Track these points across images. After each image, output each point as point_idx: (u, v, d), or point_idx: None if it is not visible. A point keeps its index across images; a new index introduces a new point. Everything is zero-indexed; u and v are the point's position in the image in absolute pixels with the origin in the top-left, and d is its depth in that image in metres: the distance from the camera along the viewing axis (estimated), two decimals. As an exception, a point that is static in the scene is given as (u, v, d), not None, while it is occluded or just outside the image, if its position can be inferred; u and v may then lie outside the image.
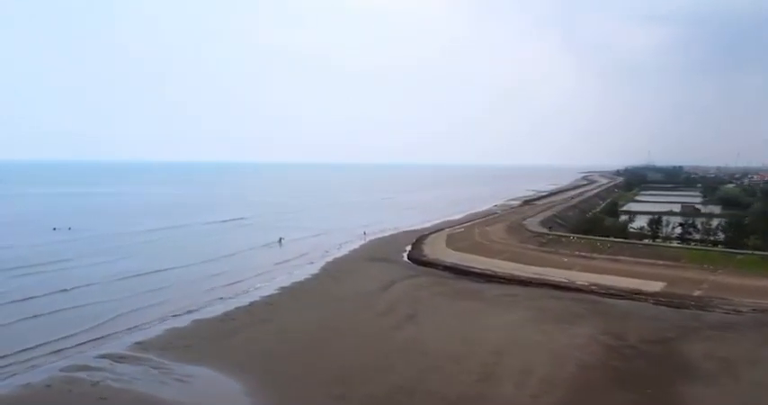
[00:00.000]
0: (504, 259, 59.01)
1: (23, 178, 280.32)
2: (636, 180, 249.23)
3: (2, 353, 31.88)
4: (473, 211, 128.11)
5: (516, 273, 53.70)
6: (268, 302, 45.35)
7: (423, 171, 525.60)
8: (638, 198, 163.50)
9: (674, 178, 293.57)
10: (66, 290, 46.94)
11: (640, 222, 74.52)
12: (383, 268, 60.46)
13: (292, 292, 48.94)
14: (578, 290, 48.09)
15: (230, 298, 46.51)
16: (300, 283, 52.99)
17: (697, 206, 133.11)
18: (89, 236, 78.71)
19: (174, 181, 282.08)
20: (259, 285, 51.33)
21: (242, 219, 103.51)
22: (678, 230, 66.30)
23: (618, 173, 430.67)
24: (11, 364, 30.50)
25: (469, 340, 35.13)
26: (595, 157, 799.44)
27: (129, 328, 37.22)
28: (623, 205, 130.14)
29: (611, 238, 61.77)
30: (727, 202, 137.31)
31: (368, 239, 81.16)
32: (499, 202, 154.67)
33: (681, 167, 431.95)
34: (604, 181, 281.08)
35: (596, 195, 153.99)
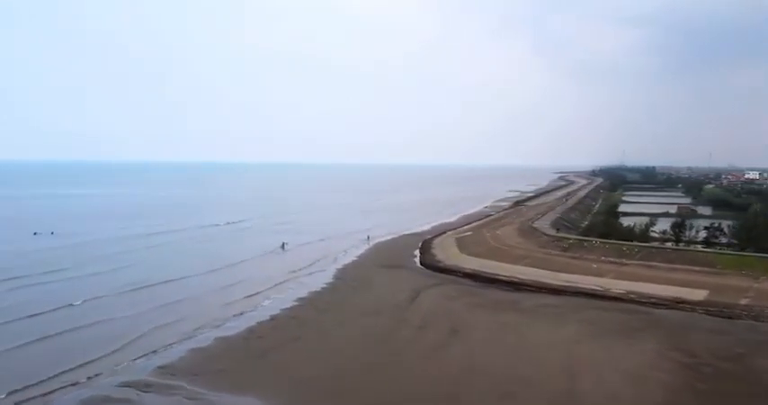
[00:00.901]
0: (527, 265, 56.28)
1: (10, 178, 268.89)
2: (617, 181, 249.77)
3: (10, 386, 27.62)
4: (466, 213, 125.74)
5: (545, 280, 51.02)
6: (291, 316, 41.71)
7: (395, 171, 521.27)
8: (625, 199, 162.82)
9: (651, 179, 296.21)
10: (72, 305, 42.53)
11: (654, 225, 72.49)
12: (400, 276, 57.34)
13: (314, 304, 45.31)
14: (616, 299, 45.60)
15: (249, 311, 42.77)
16: (319, 293, 49.39)
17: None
18: (78, 241, 73.42)
19: (167, 181, 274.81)
20: (275, 296, 47.71)
21: (238, 222, 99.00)
22: (703, 234, 64.45)
23: (593, 173, 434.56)
24: (23, 401, 26.33)
25: (532, 360, 32.15)
26: (567, 158, 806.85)
27: (151, 350, 33.22)
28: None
29: (636, 243, 59.71)
30: (716, 203, 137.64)
31: (372, 244, 77.99)
32: (489, 204, 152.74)
33: (654, 168, 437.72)
34: (583, 182, 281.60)
35: (587, 196, 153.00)
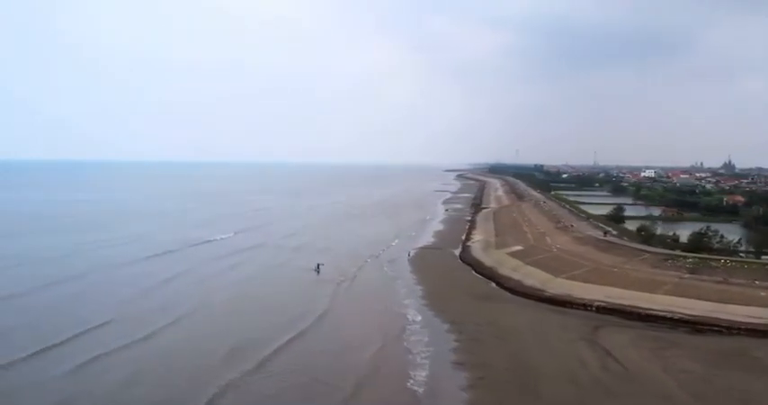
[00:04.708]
0: (669, 294, 46.07)
1: None
2: (535, 180, 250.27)
3: None
4: (441, 219, 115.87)
5: (722, 316, 41.01)
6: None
7: (284, 170, 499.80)
8: (576, 200, 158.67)
9: (556, 177, 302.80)
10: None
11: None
12: (515, 312, 45.84)
13: (493, 378, 31.60)
14: None
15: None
16: (465, 352, 35.69)
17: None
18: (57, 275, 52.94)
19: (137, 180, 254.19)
20: (426, 364, 33.30)
21: (231, 236, 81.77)
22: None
23: (491, 170, 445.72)
24: None
25: None
26: (447, 156, 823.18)
27: None
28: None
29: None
30: (668, 204, 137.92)
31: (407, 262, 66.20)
32: (445, 207, 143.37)
33: (542, 166, 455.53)
34: (495, 181, 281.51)
35: (548, 199, 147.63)
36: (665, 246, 62.99)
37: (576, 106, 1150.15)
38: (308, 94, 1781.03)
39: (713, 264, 51.54)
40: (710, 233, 61.02)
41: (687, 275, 49.83)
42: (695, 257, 53.32)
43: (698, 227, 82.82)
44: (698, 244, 59.37)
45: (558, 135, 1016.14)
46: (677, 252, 57.06)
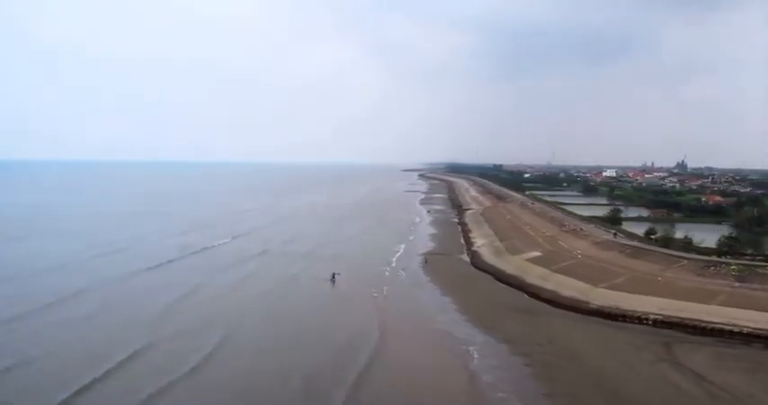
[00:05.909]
0: (725, 305, 43.16)
1: None
2: (505, 180, 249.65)
3: None
4: (429, 221, 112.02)
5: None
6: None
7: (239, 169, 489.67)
8: (554, 201, 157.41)
9: (518, 177, 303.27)
10: None
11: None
12: (567, 327, 42.34)
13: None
14: None
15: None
16: (554, 381, 31.74)
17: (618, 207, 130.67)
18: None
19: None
20: (508, 395, 29.49)
21: (230, 241, 76.47)
22: None
23: (451, 170, 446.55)
24: None
25: None
26: (404, 156, 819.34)
27: None
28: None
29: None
30: (648, 204, 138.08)
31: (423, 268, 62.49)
32: (428, 208, 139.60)
33: (501, 165, 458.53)
34: (462, 181, 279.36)
35: (533, 199, 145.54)
36: (681, 249, 60.69)
37: (529, 107, 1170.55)
38: (279, 94, 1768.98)
39: (759, 270, 49.22)
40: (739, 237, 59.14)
41: (737, 284, 47.26)
42: (739, 264, 50.88)
43: (690, 228, 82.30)
44: (728, 249, 57.14)
45: (512, 135, 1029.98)
46: (713, 258, 54.55)
